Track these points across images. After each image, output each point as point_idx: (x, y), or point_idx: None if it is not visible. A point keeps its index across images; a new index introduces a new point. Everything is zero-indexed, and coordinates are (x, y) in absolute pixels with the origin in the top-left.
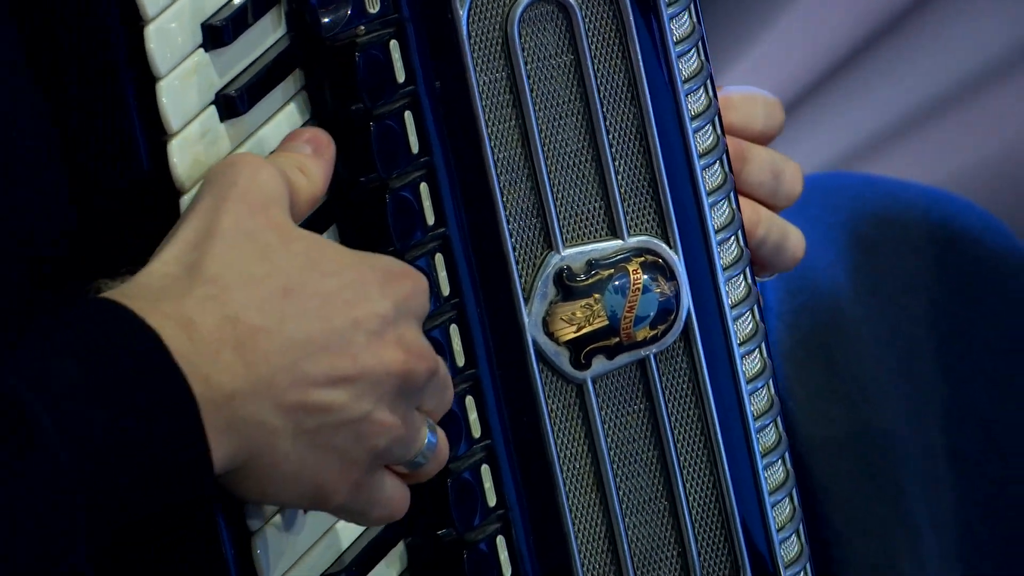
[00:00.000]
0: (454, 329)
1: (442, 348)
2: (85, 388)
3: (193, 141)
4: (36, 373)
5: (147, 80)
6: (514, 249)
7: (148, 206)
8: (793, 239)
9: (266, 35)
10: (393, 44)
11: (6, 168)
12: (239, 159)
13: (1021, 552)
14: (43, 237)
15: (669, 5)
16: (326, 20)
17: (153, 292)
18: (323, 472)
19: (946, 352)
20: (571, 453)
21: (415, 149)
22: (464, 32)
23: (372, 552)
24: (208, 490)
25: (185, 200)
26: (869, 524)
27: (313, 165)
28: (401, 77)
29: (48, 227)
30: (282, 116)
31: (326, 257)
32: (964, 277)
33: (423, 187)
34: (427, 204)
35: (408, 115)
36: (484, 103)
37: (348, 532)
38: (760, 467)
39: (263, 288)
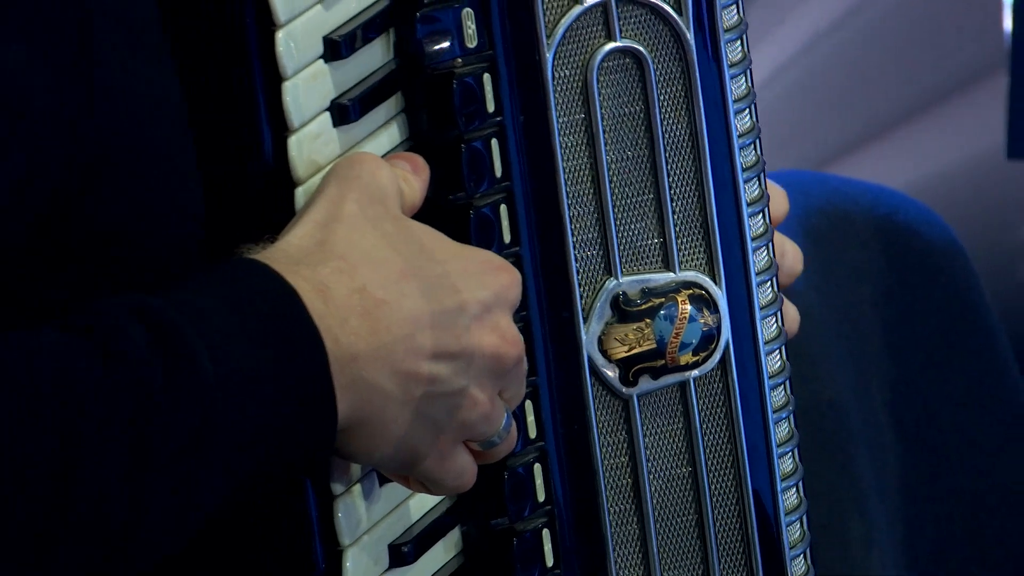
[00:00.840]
0: None
1: None
2: (229, 328)
3: (310, 139)
4: (189, 310)
5: (274, 79)
6: (578, 272)
7: (268, 194)
8: (790, 314)
9: (376, 58)
10: (486, 77)
11: (148, 155)
12: (362, 156)
13: (958, 513)
14: (175, 218)
15: (731, 66)
16: (430, 50)
17: (291, 258)
18: (420, 437)
19: (889, 333)
20: (613, 461)
21: (498, 173)
22: (549, 74)
23: (432, 531)
24: (328, 446)
25: (299, 192)
26: (820, 488)
27: (414, 179)
28: (491, 107)
29: (180, 209)
30: (384, 132)
31: (438, 246)
32: (905, 266)
33: (503, 208)
34: (505, 224)
35: (494, 142)
36: (562, 140)
37: (416, 509)
38: (779, 490)
39: (385, 268)
